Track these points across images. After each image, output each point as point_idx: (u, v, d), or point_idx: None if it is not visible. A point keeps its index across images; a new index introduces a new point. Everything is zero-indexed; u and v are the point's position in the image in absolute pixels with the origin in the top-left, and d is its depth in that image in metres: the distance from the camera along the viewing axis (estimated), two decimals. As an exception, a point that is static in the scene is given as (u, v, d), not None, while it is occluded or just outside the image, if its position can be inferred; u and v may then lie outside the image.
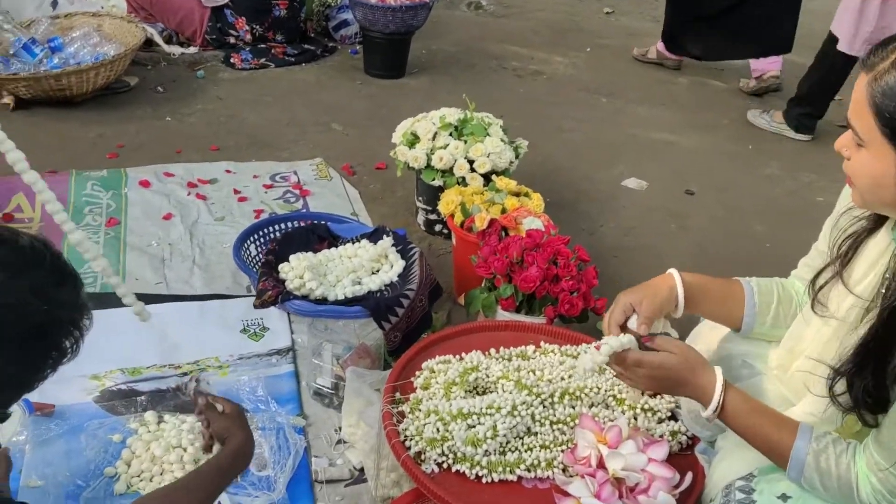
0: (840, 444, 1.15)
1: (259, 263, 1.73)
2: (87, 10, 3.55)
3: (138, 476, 1.61)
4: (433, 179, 2.34)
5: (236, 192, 2.63)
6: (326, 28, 4.05)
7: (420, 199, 2.50)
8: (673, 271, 1.44)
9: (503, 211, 2.13)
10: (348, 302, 1.63)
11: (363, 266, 1.68)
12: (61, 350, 1.02)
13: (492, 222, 2.04)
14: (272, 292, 1.65)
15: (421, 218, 2.53)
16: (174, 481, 1.30)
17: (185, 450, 1.64)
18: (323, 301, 1.67)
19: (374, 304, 1.60)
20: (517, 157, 2.51)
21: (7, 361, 0.93)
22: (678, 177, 3.08)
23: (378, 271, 1.72)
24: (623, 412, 1.49)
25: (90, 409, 1.76)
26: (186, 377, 1.87)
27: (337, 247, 1.81)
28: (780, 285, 1.45)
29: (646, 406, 1.51)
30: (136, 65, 3.43)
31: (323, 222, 1.87)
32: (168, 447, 1.64)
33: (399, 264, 1.72)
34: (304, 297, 1.64)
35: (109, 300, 2.09)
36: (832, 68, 3.31)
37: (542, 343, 1.66)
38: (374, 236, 1.82)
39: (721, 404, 1.22)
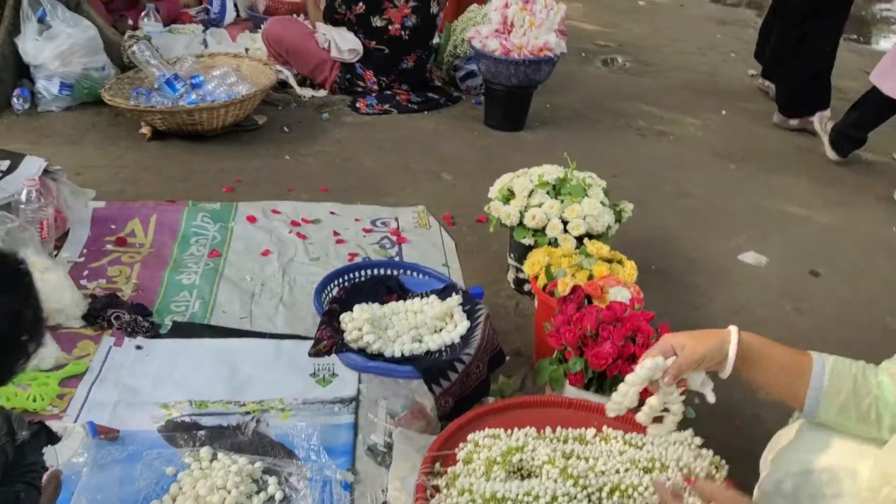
0: None
1: (323, 311, 1.71)
2: (229, 52, 3.78)
3: (182, 514, 1.61)
4: (524, 238, 2.26)
5: (336, 234, 2.67)
6: (453, 78, 4.09)
7: (511, 256, 2.42)
8: (732, 327, 1.32)
9: (590, 277, 2.02)
10: (403, 360, 1.58)
11: (426, 323, 1.63)
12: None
13: (575, 288, 1.92)
14: (327, 342, 1.63)
15: (511, 276, 2.45)
16: None
17: (228, 492, 1.62)
18: (378, 356, 1.62)
19: (427, 366, 1.53)
20: (619, 220, 2.38)
21: None
22: (804, 255, 2.82)
23: (441, 330, 1.65)
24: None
25: (152, 438, 1.78)
26: (248, 416, 1.87)
27: (405, 300, 1.76)
28: (861, 372, 1.27)
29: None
30: (267, 104, 3.60)
31: (395, 273, 1.83)
32: (213, 488, 1.63)
33: (463, 325, 1.65)
34: (361, 351, 1.60)
35: (192, 330, 2.17)
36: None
37: (604, 428, 1.53)
38: (443, 293, 1.76)
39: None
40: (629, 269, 2.09)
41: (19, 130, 3.22)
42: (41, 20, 3.35)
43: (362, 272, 1.98)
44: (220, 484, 1.64)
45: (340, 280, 2.04)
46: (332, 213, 2.80)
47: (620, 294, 1.92)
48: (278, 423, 1.85)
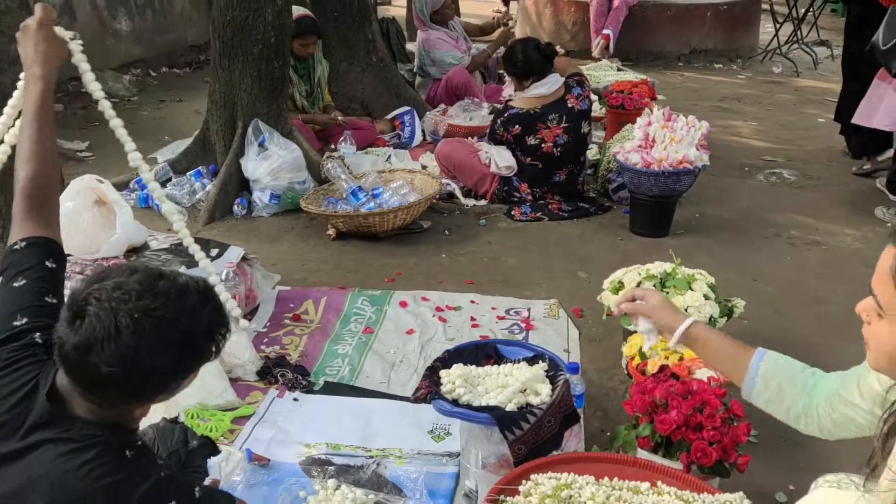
0: None
1: (427, 367, 2.05)
2: (406, 168, 4.40)
3: (305, 526, 1.98)
4: (630, 325, 2.47)
5: (472, 319, 3.03)
6: (607, 189, 4.40)
7: (625, 343, 2.63)
8: (691, 318, 1.73)
9: (681, 359, 2.19)
10: (484, 409, 1.86)
11: (512, 386, 1.91)
12: (204, 355, 1.32)
13: (662, 367, 2.12)
14: (424, 391, 1.96)
15: (624, 362, 2.65)
16: None
17: (342, 513, 1.97)
18: (465, 406, 1.91)
19: (501, 415, 1.81)
20: (728, 316, 2.53)
21: (170, 358, 1.26)
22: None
23: (525, 391, 1.92)
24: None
25: (293, 469, 2.19)
26: (371, 460, 2.23)
27: (500, 365, 2.06)
28: (806, 375, 1.58)
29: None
30: (435, 212, 4.13)
31: (493, 344, 2.14)
32: (332, 509, 1.99)
33: (546, 391, 1.91)
34: (454, 401, 1.91)
35: (340, 389, 2.60)
36: None
37: (659, 483, 1.70)
38: (532, 360, 2.04)
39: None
40: (722, 356, 2.23)
41: (236, 231, 3.97)
42: (261, 144, 4.16)
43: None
44: (337, 506, 1.99)
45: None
46: (473, 301, 3.18)
47: (704, 375, 2.08)
48: (394, 467, 2.19)
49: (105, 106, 2.17)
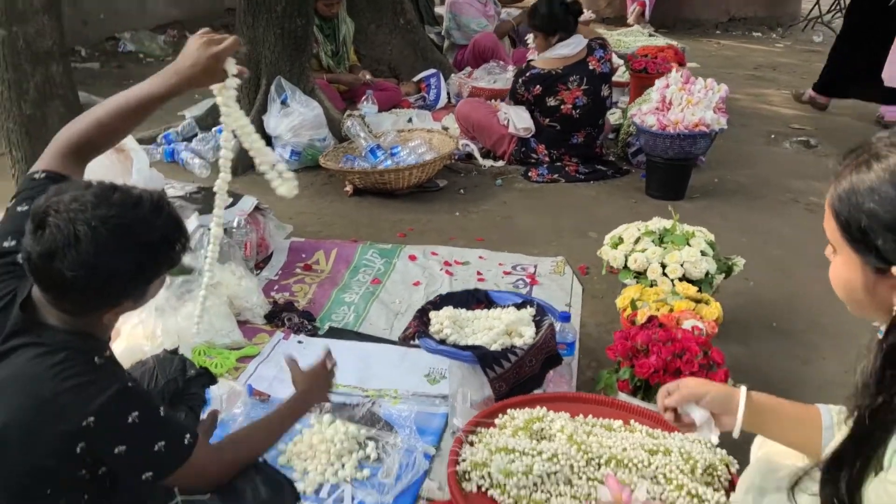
0: None
1: (418, 310, 2.12)
2: (425, 127, 4.44)
3: (297, 455, 2.07)
4: (627, 279, 2.51)
5: (479, 273, 3.09)
6: (626, 153, 4.40)
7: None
8: (742, 388, 1.39)
9: (671, 311, 2.23)
10: (467, 348, 1.93)
11: (497, 328, 1.97)
12: (162, 261, 1.38)
13: (651, 318, 2.16)
14: (413, 330, 2.03)
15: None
16: (253, 422, 1.69)
17: (333, 444, 2.06)
18: (452, 346, 1.98)
19: (483, 353, 1.87)
20: (727, 274, 2.55)
21: (129, 263, 1.32)
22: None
23: (511, 334, 1.98)
24: (673, 492, 1.53)
25: (292, 404, 2.29)
26: (367, 399, 2.31)
27: (489, 309, 2.12)
28: None
29: (694, 492, 1.52)
30: (452, 171, 4.18)
31: (484, 291, 2.20)
32: (324, 439, 2.08)
33: (529, 333, 1.96)
34: (441, 341, 1.98)
35: (343, 333, 2.69)
36: None
37: (631, 421, 1.76)
38: (520, 306, 2.09)
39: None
40: (713, 308, 2.27)
41: (257, 185, 4.01)
42: (283, 102, 4.23)
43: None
44: (328, 438, 2.09)
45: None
46: (481, 257, 3.23)
47: (690, 325, 2.12)
48: (388, 406, 2.27)
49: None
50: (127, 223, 1.32)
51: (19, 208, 1.54)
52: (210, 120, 4.52)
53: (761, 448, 1.50)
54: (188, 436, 1.47)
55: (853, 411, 1.08)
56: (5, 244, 1.46)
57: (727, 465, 1.64)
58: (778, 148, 4.85)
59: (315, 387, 1.76)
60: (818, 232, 3.86)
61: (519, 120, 4.15)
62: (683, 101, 3.69)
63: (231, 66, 1.63)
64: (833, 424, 1.34)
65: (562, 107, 4.07)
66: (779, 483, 1.39)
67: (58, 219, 1.27)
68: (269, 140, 4.27)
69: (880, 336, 1.11)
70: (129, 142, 2.88)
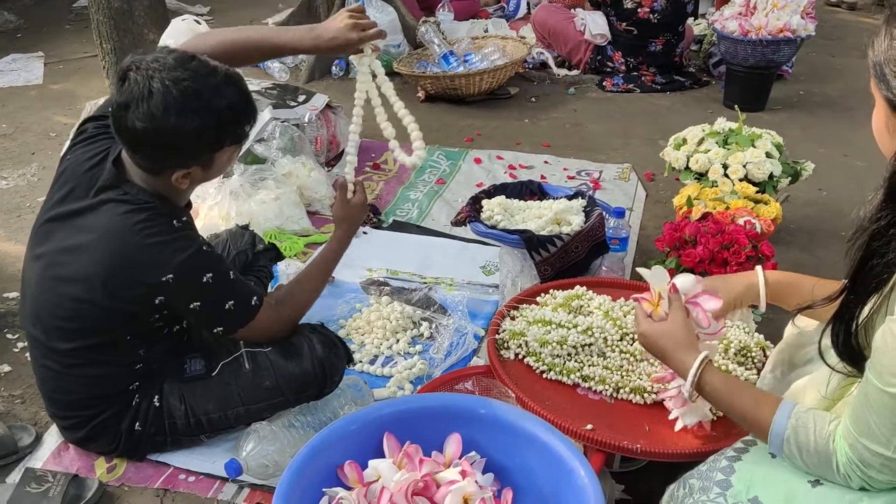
0: (821, 419, 1.13)
1: (471, 197, 2.19)
2: (500, 34, 4.41)
3: (356, 329, 2.21)
4: (688, 180, 2.50)
5: (542, 177, 3.11)
6: (707, 65, 4.26)
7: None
8: (758, 268, 1.46)
9: (726, 209, 2.22)
10: (515, 232, 1.99)
11: (546, 216, 2.02)
12: (227, 131, 1.47)
13: (705, 215, 2.16)
14: (464, 215, 2.11)
15: (683, 219, 2.69)
16: (301, 270, 1.80)
17: (389, 321, 2.19)
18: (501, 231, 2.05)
19: (530, 236, 1.93)
20: (794, 179, 2.50)
21: (193, 123, 1.41)
22: None
23: (560, 223, 2.03)
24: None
25: (354, 287, 2.42)
26: (424, 285, 2.42)
27: (541, 201, 2.16)
28: None
29: (724, 368, 1.57)
30: (525, 80, 4.16)
31: (538, 182, 2.24)
32: (381, 316, 2.21)
33: (577, 221, 2.01)
34: (492, 227, 2.05)
35: (406, 227, 2.79)
36: None
37: (672, 306, 1.79)
38: (572, 197, 2.13)
39: (696, 383, 1.27)
40: (773, 209, 2.24)
41: (332, 89, 4.15)
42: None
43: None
44: (385, 315, 2.21)
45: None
46: (546, 162, 3.26)
47: (745, 220, 2.11)
48: (444, 293, 2.38)
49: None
50: (197, 88, 1.42)
51: None
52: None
53: (791, 329, 1.52)
54: (255, 298, 1.61)
55: (857, 242, 1.11)
56: (109, 109, 1.61)
57: (763, 348, 1.67)
58: (874, 62, 4.59)
59: (353, 220, 1.81)
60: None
61: (595, 26, 4.07)
62: (769, 5, 3.53)
63: (368, 46, 1.71)
64: None
65: (639, 10, 3.96)
66: (807, 357, 1.42)
67: (138, 74, 1.40)
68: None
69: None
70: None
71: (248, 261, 2.09)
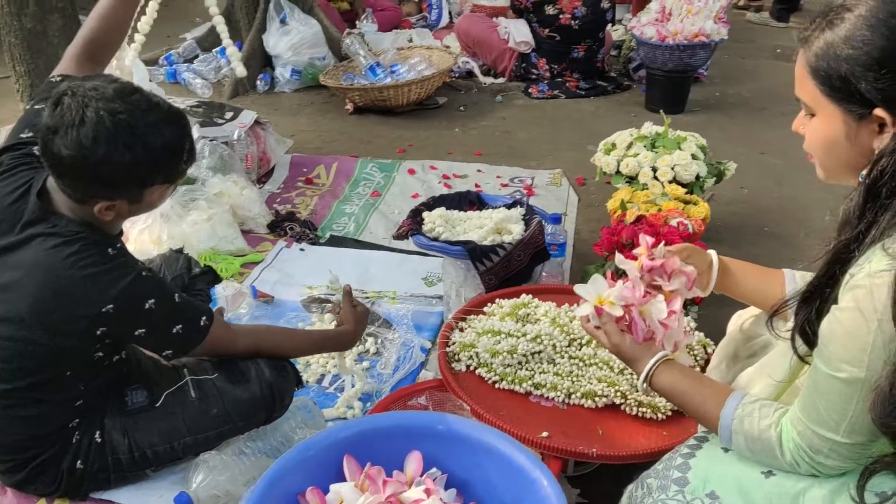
0: (766, 407, 1.17)
1: (412, 210, 2.19)
2: (425, 45, 4.43)
3: (300, 349, 2.18)
4: (619, 184, 2.57)
5: (477, 185, 3.14)
6: (627, 69, 4.38)
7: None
8: (712, 251, 1.51)
9: (659, 211, 2.29)
10: (457, 243, 2.00)
11: (487, 226, 2.04)
12: (161, 168, 1.42)
13: (639, 217, 2.22)
14: (406, 228, 2.11)
15: (616, 222, 2.76)
16: (291, 328, 1.79)
17: (334, 339, 2.16)
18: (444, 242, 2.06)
19: (473, 247, 1.95)
20: (718, 178, 2.60)
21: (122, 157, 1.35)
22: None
23: (500, 231, 2.05)
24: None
25: (294, 306, 2.38)
26: (367, 299, 2.41)
27: (481, 210, 2.18)
28: None
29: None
30: (453, 89, 4.19)
31: (476, 192, 2.26)
32: (325, 335, 2.18)
33: (518, 230, 2.03)
34: (434, 239, 2.05)
35: (344, 242, 2.77)
36: None
37: (615, 309, 1.83)
38: (510, 206, 2.15)
39: (649, 379, 1.30)
40: (701, 209, 2.32)
41: (258, 105, 4.09)
42: (282, 21, 4.22)
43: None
44: (329, 334, 2.19)
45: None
46: (479, 171, 3.28)
47: (678, 221, 2.18)
48: (387, 306, 2.37)
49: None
50: (133, 122, 1.36)
51: (37, 106, 1.60)
52: (210, 41, 4.52)
53: (734, 324, 1.58)
54: (203, 318, 1.56)
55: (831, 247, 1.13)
56: (22, 136, 1.53)
57: (704, 346, 1.73)
58: (785, 63, 4.80)
59: (359, 330, 1.80)
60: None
61: (519, 34, 4.13)
62: (683, 11, 3.66)
63: None
64: (797, 284, 1.40)
65: (560, 16, 4.04)
66: (751, 351, 1.48)
67: (73, 100, 1.33)
68: (269, 60, 4.28)
69: (861, 179, 1.13)
70: (129, 59, 2.90)
71: (185, 285, 2.03)
